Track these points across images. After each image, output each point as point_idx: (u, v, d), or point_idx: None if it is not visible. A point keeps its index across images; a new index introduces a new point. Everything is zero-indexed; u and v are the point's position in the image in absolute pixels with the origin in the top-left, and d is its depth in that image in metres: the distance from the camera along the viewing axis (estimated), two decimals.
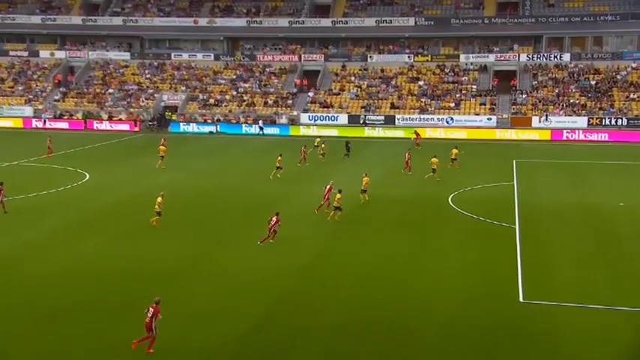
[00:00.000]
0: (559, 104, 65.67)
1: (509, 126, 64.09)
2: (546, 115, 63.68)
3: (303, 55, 77.55)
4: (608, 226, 30.82)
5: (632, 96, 65.26)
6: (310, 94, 72.95)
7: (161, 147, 48.21)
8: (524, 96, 67.70)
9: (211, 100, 73.32)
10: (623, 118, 62.13)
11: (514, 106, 66.52)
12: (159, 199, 30.42)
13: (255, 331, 19.36)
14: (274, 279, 23.52)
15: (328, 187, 33.02)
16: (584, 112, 64.21)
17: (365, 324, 19.91)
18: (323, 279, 23.77)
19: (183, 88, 75.58)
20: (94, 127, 70.44)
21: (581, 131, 61.31)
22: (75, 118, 72.53)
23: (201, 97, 74.16)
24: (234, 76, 76.97)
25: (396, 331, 19.44)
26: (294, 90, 73.99)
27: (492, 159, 44.12)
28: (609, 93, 66.40)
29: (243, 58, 79.12)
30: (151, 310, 18.05)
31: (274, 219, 27.36)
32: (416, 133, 58.16)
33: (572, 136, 61.05)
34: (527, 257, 26.02)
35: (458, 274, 24.31)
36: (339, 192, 31.44)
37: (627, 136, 60.17)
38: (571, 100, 66.12)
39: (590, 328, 19.51)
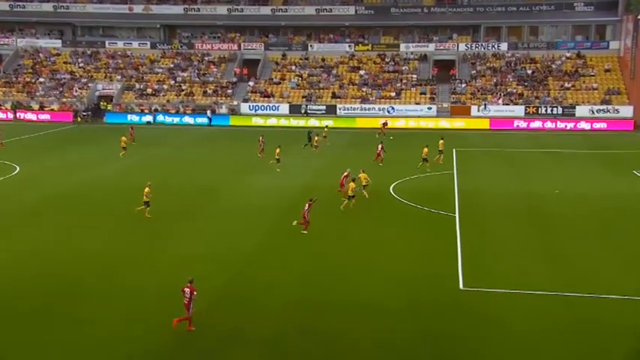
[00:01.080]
0: (497, 93, 67.27)
1: (449, 115, 65.30)
2: (485, 104, 65.16)
3: (242, 44, 76.97)
4: (544, 213, 31.84)
5: (566, 85, 67.39)
6: (250, 83, 72.51)
7: (123, 138, 48.07)
8: (463, 85, 69.06)
9: (148, 90, 72.03)
10: (559, 107, 64.14)
11: (454, 95, 67.79)
12: (146, 190, 30.49)
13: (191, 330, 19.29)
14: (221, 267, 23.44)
15: (345, 174, 35.00)
16: (521, 100, 65.97)
17: (306, 314, 20.03)
18: (265, 269, 23.81)
19: (119, 78, 73.98)
20: (23, 118, 68.24)
21: (520, 120, 63.04)
22: (3, 108, 70.09)
23: (137, 86, 72.75)
24: (172, 65, 75.79)
25: (335, 324, 19.63)
26: (234, 79, 73.42)
27: (432, 148, 44.88)
28: (545, 82, 68.40)
29: (181, 46, 77.95)
30: (187, 290, 18.81)
31: (306, 206, 28.15)
32: (383, 123, 58.19)
33: (512, 124, 62.67)
34: (467, 245, 26.63)
35: (399, 263, 24.69)
36: (353, 181, 32.49)
37: (562, 124, 62.17)
38: (509, 89, 67.82)
39: (527, 313, 20.15)
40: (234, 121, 66.72)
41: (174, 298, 19.91)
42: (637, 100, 63.16)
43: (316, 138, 49.80)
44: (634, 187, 37.00)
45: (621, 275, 23.40)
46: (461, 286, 22.32)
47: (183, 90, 71.75)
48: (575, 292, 21.72)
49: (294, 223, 28.58)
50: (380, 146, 44.53)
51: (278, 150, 42.69)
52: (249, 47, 76.75)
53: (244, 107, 68.90)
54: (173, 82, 73.28)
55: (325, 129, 55.86)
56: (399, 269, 24.01)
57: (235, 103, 69.51)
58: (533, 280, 22.81)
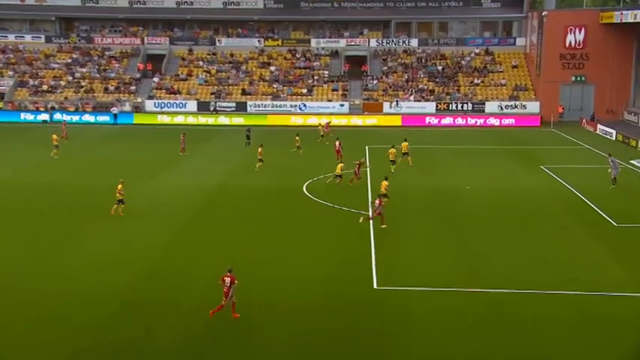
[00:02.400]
0: (408, 90, 68.99)
1: (362, 112, 66.41)
2: (397, 101, 66.69)
3: (146, 38, 75.44)
4: (456, 210, 33.02)
5: (476, 81, 69.93)
6: (155, 79, 71.19)
7: (54, 135, 47.06)
8: (375, 82, 70.38)
9: (44, 87, 69.40)
10: (469, 103, 66.47)
11: (365, 92, 69.00)
12: (119, 187, 30.42)
13: (107, 329, 18.90)
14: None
15: (358, 163, 37.68)
16: (432, 97, 67.92)
17: (222, 316, 20.02)
18: (177, 271, 23.58)
19: (11, 73, 70.89)
20: None
21: (431, 116, 64.88)
22: None
23: (31, 82, 69.96)
24: (70, 60, 73.34)
25: (243, 326, 19.71)
26: (138, 75, 71.88)
27: (345, 145, 45.63)
28: (455, 78, 70.71)
29: (79, 40, 75.53)
30: (227, 279, 19.77)
31: (377, 202, 29.20)
32: (327, 123, 58.36)
33: (424, 121, 64.41)
34: (380, 243, 27.28)
35: (312, 264, 25.01)
36: (386, 179, 32.94)
37: (473, 121, 64.47)
38: (420, 86, 69.68)
39: (441, 311, 20.89)
40: (139, 119, 65.33)
41: (78, 303, 19.44)
42: (543, 96, 66.34)
43: (297, 138, 47.98)
44: (543, 183, 38.90)
45: (534, 269, 24.61)
46: (375, 285, 22.85)
47: (82, 86, 69.58)
48: (488, 287, 22.67)
49: (361, 220, 29.41)
50: (338, 143, 44.66)
51: (260, 150, 42.04)
52: (153, 42, 75.32)
53: (149, 104, 67.59)
54: (71, 78, 70.94)
55: (319, 126, 55.64)
56: (313, 270, 24.31)
57: (139, 100, 68.08)
58: (447, 277, 23.63)
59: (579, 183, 38.22)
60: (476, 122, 64.35)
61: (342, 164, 38.85)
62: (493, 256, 26.05)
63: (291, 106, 66.73)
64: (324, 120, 60.52)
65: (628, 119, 64.04)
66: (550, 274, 24.11)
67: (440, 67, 72.02)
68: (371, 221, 29.94)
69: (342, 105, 66.88)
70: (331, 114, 65.08)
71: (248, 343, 18.69)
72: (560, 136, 57.77)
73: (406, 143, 44.57)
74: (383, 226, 29.13)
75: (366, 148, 49.87)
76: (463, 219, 31.35)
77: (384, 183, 32.80)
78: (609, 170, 37.92)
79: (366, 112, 66.00)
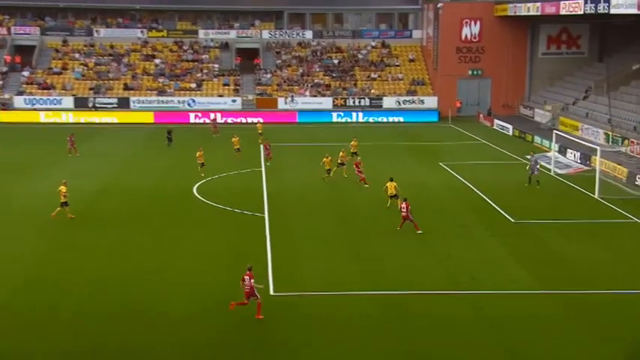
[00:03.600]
0: (304, 84, 69.57)
1: (255, 108, 66.37)
2: (292, 96, 67.09)
3: (13, 28, 72.16)
4: (353, 210, 33.65)
5: (372, 75, 71.42)
6: (25, 73, 68.26)
7: None
8: (268, 75, 70.50)
9: None
10: (366, 98, 67.78)
11: (259, 87, 68.99)
12: (63, 189, 30.39)
13: None
14: None
15: (357, 162, 38.71)
16: (328, 92, 68.77)
17: (100, 327, 19.57)
18: (55, 280, 22.82)
19: None
20: None
21: (328, 112, 65.66)
22: None
23: None
24: None
25: (132, 337, 19.35)
26: (4, 69, 68.67)
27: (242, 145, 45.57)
28: (352, 72, 71.92)
29: None
30: (247, 277, 20.47)
31: (403, 205, 29.54)
32: (213, 120, 57.59)
33: (320, 117, 65.09)
34: (276, 248, 27.45)
35: (205, 271, 24.88)
36: (391, 180, 33.21)
37: (370, 116, 65.79)
38: (315, 80, 70.40)
39: (339, 315, 21.26)
40: (6, 117, 62.36)
41: None
42: (440, 91, 68.59)
43: (235, 139, 46.35)
44: (443, 180, 40.16)
45: (433, 269, 25.46)
46: (271, 291, 22.98)
47: None
48: (386, 289, 23.27)
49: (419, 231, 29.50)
50: (266, 145, 44.16)
51: (199, 153, 40.81)
52: (22, 32, 72.18)
53: (19, 101, 64.75)
54: None
55: (258, 124, 55.46)
56: (204, 277, 24.18)
57: (7, 96, 65.07)
58: (345, 281, 24.06)
59: (478, 179, 39.82)
60: (374, 118, 65.67)
61: (329, 158, 39.37)
62: (390, 256, 26.73)
63: (179, 102, 65.77)
64: (210, 118, 60.47)
65: (524, 114, 67.32)
66: (449, 274, 25.03)
67: (336, 61, 73.02)
68: (267, 226, 30.13)
69: (234, 101, 66.57)
70: (222, 110, 64.65)
71: (133, 356, 18.37)
72: (458, 131, 59.97)
73: (355, 142, 44.39)
74: (419, 232, 29.46)
75: (261, 146, 49.79)
76: (359, 219, 31.99)
77: (391, 184, 33.13)
78: (527, 168, 39.04)
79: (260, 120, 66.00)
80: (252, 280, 20.73)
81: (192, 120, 63.08)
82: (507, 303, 22.50)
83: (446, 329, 20.48)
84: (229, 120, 63.65)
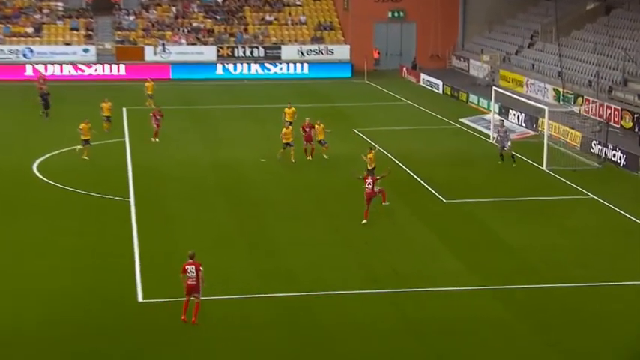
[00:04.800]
0: (179, 29, 68.48)
1: (115, 60, 64.97)
2: (163, 45, 65.97)
3: None
4: (247, 191, 33.59)
5: (267, 18, 70.99)
6: None
7: None
8: (131, 18, 69.05)
9: None
10: (259, 48, 67.33)
11: (119, 33, 67.49)
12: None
13: None
14: None
15: (305, 125, 37.82)
16: (211, 39, 67.96)
17: None
18: None
19: None
20: None
21: (211, 65, 65.00)
22: None
23: None
24: None
25: None
26: None
27: (91, 106, 44.49)
28: (240, 14, 71.25)
29: None
30: (190, 267, 20.88)
31: (369, 181, 29.28)
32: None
33: (201, 72, 64.38)
34: (147, 241, 27.15)
35: (53, 274, 24.37)
36: (371, 150, 33.39)
37: (266, 70, 65.56)
38: (194, 24, 69.44)
39: (229, 325, 21.19)
40: None
41: None
42: (353, 38, 68.86)
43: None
44: (357, 151, 40.17)
45: (347, 264, 25.66)
46: (140, 297, 22.69)
47: None
48: (291, 290, 23.31)
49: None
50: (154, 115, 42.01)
51: (106, 104, 40.87)
52: None
53: None
54: None
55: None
56: (54, 281, 23.70)
57: None
58: (236, 280, 23.96)
59: (401, 149, 40.34)
60: (270, 72, 65.49)
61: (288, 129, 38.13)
62: (296, 249, 26.81)
63: (11, 52, 63.85)
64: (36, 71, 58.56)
65: (457, 66, 68.77)
66: (367, 268, 25.29)
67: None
68: (133, 214, 29.72)
69: (86, 50, 65.01)
70: (71, 62, 62.99)
71: None
72: (377, 89, 60.64)
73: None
74: (385, 204, 30.39)
75: (123, 110, 48.94)
76: (254, 203, 31.97)
77: (370, 156, 32.89)
78: (495, 140, 39.00)
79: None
80: (202, 269, 20.97)
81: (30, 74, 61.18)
82: (438, 302, 22.95)
83: (363, 336, 20.71)
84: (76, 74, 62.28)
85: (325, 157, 38.30)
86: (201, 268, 21.00)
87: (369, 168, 32.16)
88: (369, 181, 29.32)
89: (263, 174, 36.14)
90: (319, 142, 38.03)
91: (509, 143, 37.98)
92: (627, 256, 26.69)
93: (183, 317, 20.90)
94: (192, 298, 20.98)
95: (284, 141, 37.61)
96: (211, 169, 36.89)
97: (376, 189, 29.59)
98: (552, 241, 28.11)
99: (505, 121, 41.41)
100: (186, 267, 21.01)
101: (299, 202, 32.18)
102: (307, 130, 37.90)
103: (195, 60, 65.94)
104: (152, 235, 27.82)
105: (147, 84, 51.40)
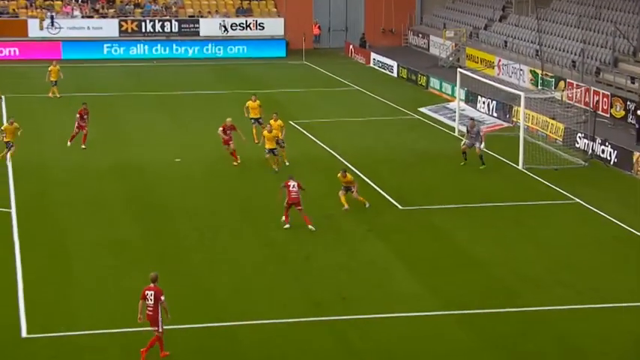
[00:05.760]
0: None
1: None
2: (51, 17, 65.26)
3: None
4: (156, 199, 33.54)
5: None
6: None
7: None
8: None
9: None
10: (172, 21, 67.02)
11: None
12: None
13: None
14: None
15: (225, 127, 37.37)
16: (112, 11, 67.41)
17: None
18: None
19: None
20: None
21: (112, 42, 64.53)
22: None
23: None
24: None
25: None
26: None
27: None
28: None
29: None
30: (150, 292, 20.81)
31: (292, 184, 30.03)
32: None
33: (100, 51, 63.85)
34: (32, 261, 26.96)
35: None
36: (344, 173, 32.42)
37: (180, 49, 65.31)
38: None
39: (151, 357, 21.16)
40: None
41: None
42: (289, 9, 68.95)
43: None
44: (295, 147, 40.23)
45: (276, 285, 25.72)
46: (23, 332, 22.53)
47: None
48: (218, 320, 23.30)
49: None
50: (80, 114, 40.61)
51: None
52: None
53: None
54: None
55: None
56: None
57: None
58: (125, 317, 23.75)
59: (347, 145, 40.59)
60: (186, 51, 65.22)
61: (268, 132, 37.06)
62: (220, 268, 26.79)
63: None
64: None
65: (414, 44, 69.26)
66: (307, 291, 25.37)
67: None
68: (14, 227, 29.46)
69: None
70: None
71: None
72: (318, 71, 60.83)
73: (279, 122, 38.74)
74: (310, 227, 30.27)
75: (2, 98, 48.37)
76: (165, 213, 31.98)
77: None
78: (463, 144, 38.46)
79: None
80: (163, 298, 20.90)
81: None
82: (393, 332, 23.00)
83: None
84: None
85: (287, 162, 37.65)
86: (163, 297, 20.93)
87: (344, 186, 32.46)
88: (293, 183, 30.00)
89: (177, 178, 35.95)
90: (277, 142, 37.08)
91: (482, 145, 38.14)
92: (617, 272, 27.07)
93: (163, 353, 21.02)
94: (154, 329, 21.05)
95: (267, 146, 36.76)
96: (112, 171, 36.59)
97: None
98: (528, 254, 28.46)
99: (476, 119, 41.35)
100: (146, 292, 21.03)
101: (222, 211, 32.11)
102: (228, 132, 37.58)
103: (91, 36, 65.52)
104: (40, 253, 27.64)
105: (51, 68, 50.70)
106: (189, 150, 39.52)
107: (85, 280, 25.88)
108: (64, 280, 25.83)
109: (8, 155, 36.74)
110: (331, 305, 24.43)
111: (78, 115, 39.97)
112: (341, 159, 38.64)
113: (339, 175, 32.32)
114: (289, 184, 30.10)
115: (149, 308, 20.86)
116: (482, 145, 38.09)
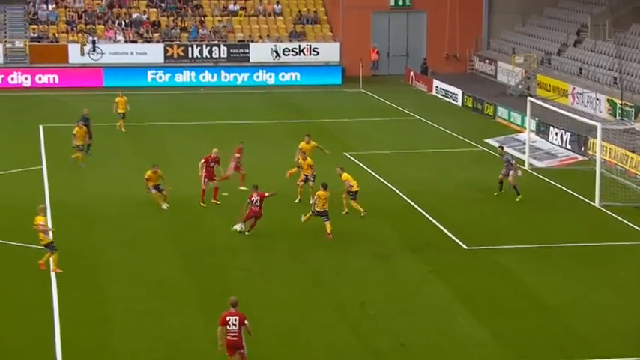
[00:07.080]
0: (113, 22, 68.48)
1: (29, 63, 64.97)
2: (93, 42, 65.90)
3: None
4: (203, 236, 33.77)
5: (232, 7, 71.06)
6: None
7: None
8: (50, 7, 68.99)
9: None
10: (221, 46, 67.40)
11: (34, 27, 67.44)
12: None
13: None
14: None
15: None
16: (157, 35, 67.95)
17: None
18: None
19: None
20: None
21: (156, 69, 65.05)
22: None
23: None
24: None
25: None
26: None
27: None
28: (195, 2, 71.27)
29: None
30: (232, 318, 21.56)
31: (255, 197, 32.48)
32: None
33: (144, 77, 64.35)
34: (69, 300, 27.03)
35: None
36: (325, 188, 32.96)
37: (229, 76, 65.62)
38: (134, 15, 69.42)
39: None
40: None
41: None
42: (345, 34, 69.02)
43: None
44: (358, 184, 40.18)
45: (334, 328, 25.61)
46: None
47: None
48: None
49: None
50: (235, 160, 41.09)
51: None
52: None
53: None
54: None
55: None
56: None
57: None
58: (191, 356, 23.85)
59: (408, 180, 40.44)
60: (235, 78, 65.55)
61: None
62: (269, 313, 26.70)
63: None
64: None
65: (480, 70, 69.02)
66: (364, 338, 25.20)
67: None
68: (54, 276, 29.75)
69: None
70: None
71: None
72: (376, 99, 60.81)
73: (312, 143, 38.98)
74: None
75: (40, 128, 48.91)
76: (212, 251, 32.13)
77: (323, 194, 32.98)
78: (500, 175, 38.39)
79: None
80: (247, 323, 21.68)
81: None
82: None
83: None
84: None
85: (362, 213, 35.58)
86: (247, 322, 21.67)
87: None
88: (255, 198, 32.40)
89: (224, 214, 36.06)
90: (306, 177, 37.12)
91: (519, 172, 38.34)
92: None
93: None
94: (237, 356, 21.69)
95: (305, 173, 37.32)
96: (156, 206, 36.78)
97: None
98: (606, 300, 28.06)
99: (505, 147, 41.17)
100: (227, 317, 21.64)
101: (269, 251, 32.10)
102: (212, 165, 37.39)
103: (135, 62, 66.05)
104: (76, 293, 27.81)
105: (118, 99, 50.67)
106: (236, 185, 39.52)
107: (123, 313, 26.05)
108: (101, 317, 25.95)
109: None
110: (391, 354, 24.25)
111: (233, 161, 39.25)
112: (399, 192, 38.52)
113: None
114: (252, 199, 32.59)
115: (232, 334, 21.57)
116: (516, 174, 37.92)
